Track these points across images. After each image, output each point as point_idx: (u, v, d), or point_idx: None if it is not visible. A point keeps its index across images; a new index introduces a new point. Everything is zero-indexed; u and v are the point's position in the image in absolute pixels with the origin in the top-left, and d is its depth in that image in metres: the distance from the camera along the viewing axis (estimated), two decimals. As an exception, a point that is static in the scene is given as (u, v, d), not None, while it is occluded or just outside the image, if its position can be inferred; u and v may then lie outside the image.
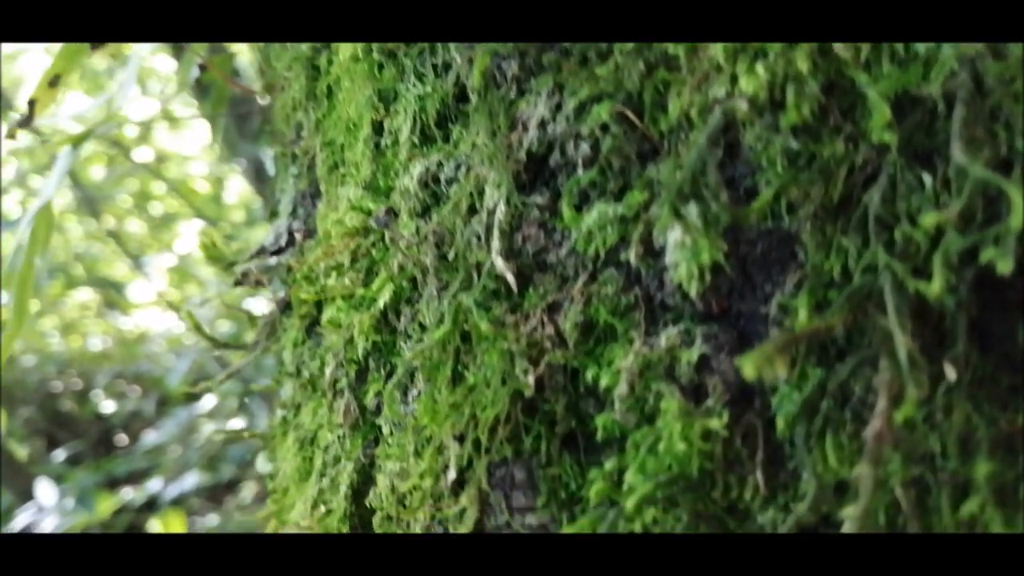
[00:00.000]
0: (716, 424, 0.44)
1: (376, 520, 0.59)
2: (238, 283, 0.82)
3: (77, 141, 0.86)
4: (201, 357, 3.29)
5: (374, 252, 0.61)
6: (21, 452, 3.24)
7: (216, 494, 3.18)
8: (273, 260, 0.79)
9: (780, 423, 0.43)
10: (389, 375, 0.59)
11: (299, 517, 0.63)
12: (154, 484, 2.75)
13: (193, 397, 3.11)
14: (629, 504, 0.44)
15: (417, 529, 0.55)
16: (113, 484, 2.88)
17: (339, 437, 0.63)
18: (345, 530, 0.59)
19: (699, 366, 0.46)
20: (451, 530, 0.53)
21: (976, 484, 0.41)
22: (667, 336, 0.48)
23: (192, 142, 3.48)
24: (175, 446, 3.09)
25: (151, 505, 2.79)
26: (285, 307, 0.78)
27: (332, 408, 0.64)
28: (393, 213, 0.59)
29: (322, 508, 0.61)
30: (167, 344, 3.74)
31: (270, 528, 0.74)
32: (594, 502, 0.47)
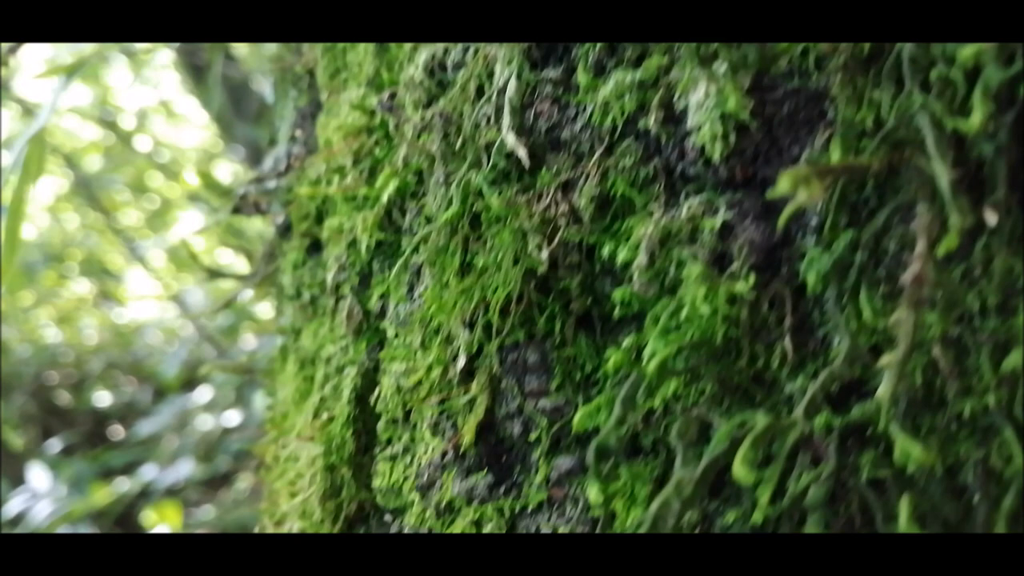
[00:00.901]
0: (742, 287, 0.42)
1: (380, 425, 0.56)
2: (237, 209, 0.80)
3: (70, 71, 0.84)
4: (197, 347, 3.26)
5: (377, 151, 0.59)
6: (16, 441, 3.20)
7: (213, 483, 3.14)
8: (272, 184, 0.77)
9: (811, 279, 0.41)
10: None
11: (300, 429, 0.61)
12: (148, 470, 2.71)
13: (188, 386, 3.07)
14: (650, 368, 0.41)
15: (423, 427, 0.53)
16: (109, 474, 2.84)
17: (342, 347, 0.61)
18: (348, 436, 0.57)
19: (723, 234, 0.44)
20: (459, 422, 0.50)
21: (1018, 336, 0.38)
22: (689, 206, 0.45)
23: (189, 131, 3.46)
24: (171, 436, 3.05)
25: (146, 494, 2.75)
26: (285, 231, 0.76)
27: (335, 316, 0.61)
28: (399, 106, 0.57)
29: (324, 416, 0.59)
30: (162, 334, 3.71)
31: (268, 456, 0.71)
32: (612, 377, 0.45)
